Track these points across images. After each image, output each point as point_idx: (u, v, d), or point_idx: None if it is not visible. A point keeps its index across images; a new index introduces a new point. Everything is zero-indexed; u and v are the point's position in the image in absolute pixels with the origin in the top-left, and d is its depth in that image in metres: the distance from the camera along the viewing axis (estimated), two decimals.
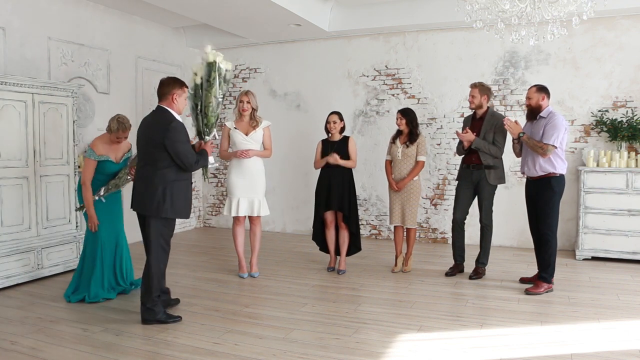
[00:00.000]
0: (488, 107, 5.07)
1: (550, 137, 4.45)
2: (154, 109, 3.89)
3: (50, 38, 5.77)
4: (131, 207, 3.92)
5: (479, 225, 5.13)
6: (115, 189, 4.52)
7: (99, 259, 4.47)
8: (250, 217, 5.21)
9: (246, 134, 5.07)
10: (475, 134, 4.97)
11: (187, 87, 3.91)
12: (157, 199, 3.72)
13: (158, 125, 3.74)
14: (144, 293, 3.82)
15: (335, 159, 5.14)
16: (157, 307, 3.84)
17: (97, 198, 4.44)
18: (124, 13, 6.77)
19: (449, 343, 3.48)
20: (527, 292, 4.56)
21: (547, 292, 4.57)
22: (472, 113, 5.20)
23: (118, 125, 4.36)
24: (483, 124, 4.99)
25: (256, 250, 5.28)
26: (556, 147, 4.46)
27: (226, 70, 4.04)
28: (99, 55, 6.44)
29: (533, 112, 4.64)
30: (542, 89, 4.62)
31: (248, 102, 5.05)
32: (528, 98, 4.66)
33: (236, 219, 5.17)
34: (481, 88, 5.01)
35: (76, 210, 4.99)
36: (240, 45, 7.90)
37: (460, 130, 5.21)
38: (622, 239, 5.68)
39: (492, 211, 5.08)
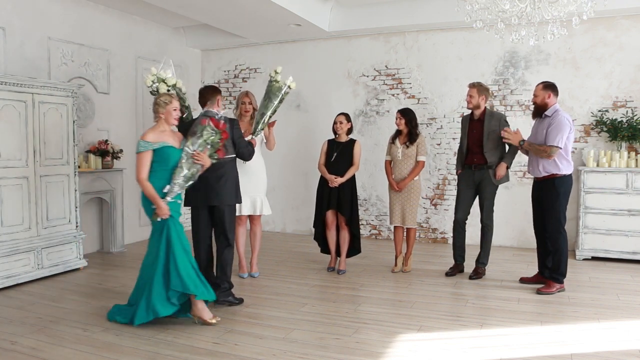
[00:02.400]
0: (486, 108, 5.07)
1: (554, 138, 4.41)
2: (202, 112, 4.26)
3: (50, 38, 5.77)
4: (197, 205, 4.22)
5: (480, 225, 5.13)
6: (188, 182, 3.85)
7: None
8: (250, 217, 5.22)
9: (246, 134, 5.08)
10: (475, 132, 5.00)
11: None
12: (234, 189, 4.29)
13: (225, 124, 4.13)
14: (224, 274, 4.25)
15: (337, 182, 5.16)
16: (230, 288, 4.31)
17: (168, 199, 3.76)
18: (124, 13, 6.77)
19: (449, 343, 3.48)
20: (539, 291, 4.55)
21: (559, 291, 4.57)
22: (469, 113, 5.19)
23: (166, 97, 3.89)
24: (484, 126, 4.97)
25: (256, 250, 5.28)
26: (560, 148, 4.42)
27: (289, 87, 4.84)
28: (99, 55, 6.44)
29: (539, 110, 4.63)
30: (549, 87, 4.60)
31: (250, 103, 5.10)
32: (534, 95, 4.64)
33: (238, 219, 5.16)
34: (479, 88, 5.00)
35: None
36: (240, 45, 7.90)
37: (458, 132, 5.21)
38: (622, 239, 5.67)
39: (493, 211, 5.08)
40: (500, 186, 5.13)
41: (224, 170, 4.21)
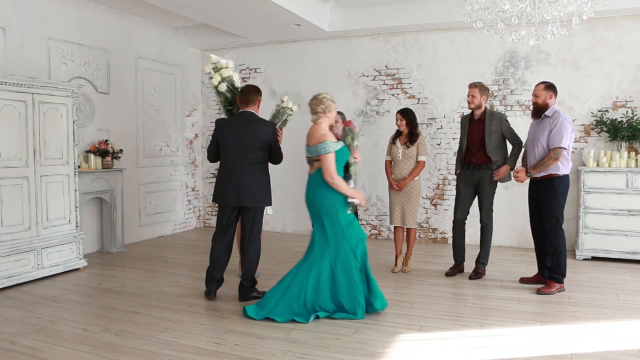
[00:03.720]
0: (486, 108, 5.07)
1: (559, 140, 4.41)
2: (241, 112, 4.39)
3: (50, 38, 5.78)
4: (229, 204, 4.31)
5: (479, 225, 5.13)
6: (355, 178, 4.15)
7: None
8: None
9: None
10: (476, 132, 5.01)
11: None
12: (267, 191, 4.43)
13: (263, 126, 4.28)
14: (251, 271, 4.41)
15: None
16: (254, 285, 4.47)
17: (351, 201, 4.00)
18: (124, 13, 6.77)
19: (449, 343, 3.48)
20: (539, 291, 4.55)
21: (559, 291, 4.57)
22: (469, 113, 5.19)
23: (330, 96, 4.17)
24: (485, 126, 4.97)
25: None
26: (565, 149, 4.42)
27: (292, 111, 5.09)
28: (99, 55, 6.44)
29: (539, 110, 4.62)
30: (550, 87, 4.59)
31: None
32: (535, 95, 4.63)
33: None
34: (481, 88, 5.00)
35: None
36: (240, 45, 7.90)
37: (458, 132, 5.21)
38: (622, 239, 5.68)
39: (492, 211, 5.08)
40: (500, 186, 5.13)
41: (261, 173, 4.37)
